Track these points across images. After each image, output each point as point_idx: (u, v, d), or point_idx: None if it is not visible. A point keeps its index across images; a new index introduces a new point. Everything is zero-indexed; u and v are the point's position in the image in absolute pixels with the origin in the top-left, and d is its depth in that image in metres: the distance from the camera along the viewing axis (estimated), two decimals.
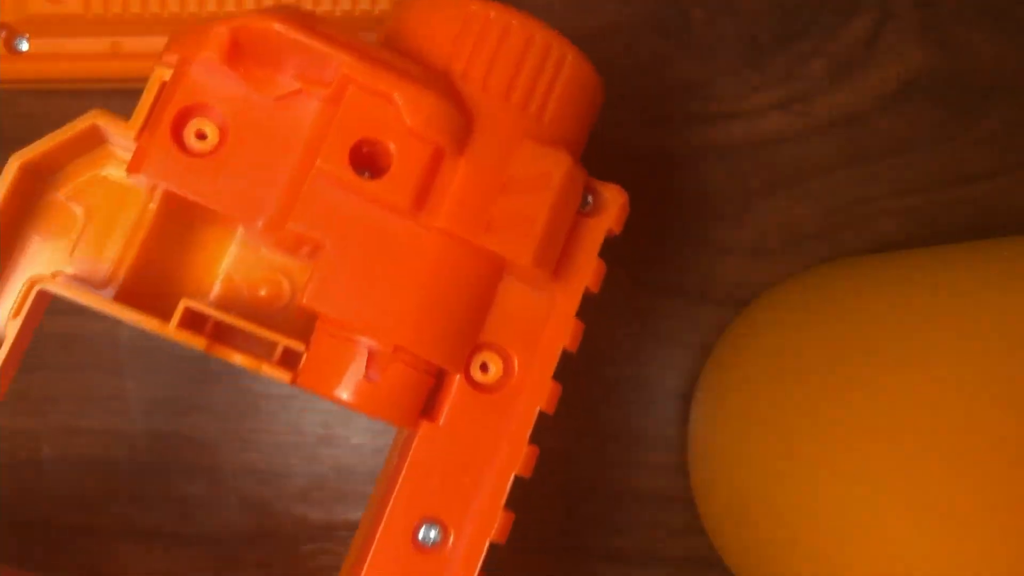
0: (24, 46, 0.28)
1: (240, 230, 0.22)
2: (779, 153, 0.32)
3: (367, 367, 0.20)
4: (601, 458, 0.32)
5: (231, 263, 0.22)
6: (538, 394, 0.21)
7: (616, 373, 0.32)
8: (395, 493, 0.21)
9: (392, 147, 0.20)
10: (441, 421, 0.21)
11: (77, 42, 0.28)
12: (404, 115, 0.19)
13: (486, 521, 0.21)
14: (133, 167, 0.20)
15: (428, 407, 0.21)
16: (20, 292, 0.20)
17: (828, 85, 0.32)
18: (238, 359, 0.21)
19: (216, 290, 0.22)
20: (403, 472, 0.21)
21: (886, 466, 0.22)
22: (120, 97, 0.30)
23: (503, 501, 0.21)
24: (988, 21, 0.32)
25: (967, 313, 0.22)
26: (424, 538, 0.21)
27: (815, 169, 0.32)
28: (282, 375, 0.20)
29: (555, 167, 0.20)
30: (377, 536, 0.20)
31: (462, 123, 0.20)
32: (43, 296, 0.20)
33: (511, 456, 0.21)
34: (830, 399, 0.24)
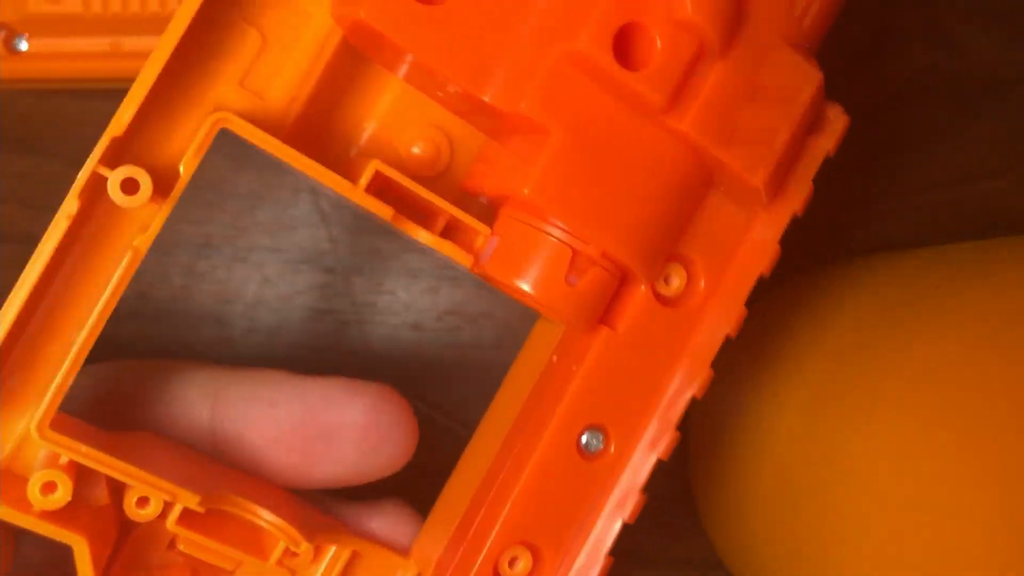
0: (24, 46, 0.28)
1: (400, 75, 0.20)
2: None
3: (568, 269, 0.19)
4: None
5: (386, 110, 0.20)
6: (727, 316, 0.20)
7: None
8: (566, 398, 0.20)
9: (657, 37, 0.18)
10: (621, 330, 0.20)
11: (77, 42, 0.28)
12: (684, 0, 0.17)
13: (656, 438, 0.20)
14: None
15: (606, 315, 0.20)
16: (205, 127, 0.18)
17: (828, 85, 0.31)
18: (423, 235, 0.19)
19: (364, 139, 0.20)
20: (577, 378, 0.20)
21: (886, 465, 0.22)
22: (120, 97, 0.30)
23: (677, 420, 0.20)
24: (988, 21, 0.32)
25: (969, 313, 0.22)
26: (587, 444, 0.20)
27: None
28: (463, 258, 0.19)
29: (805, 82, 0.19)
30: (543, 440, 0.20)
31: (735, 18, 0.18)
32: (219, 131, 0.18)
33: (689, 375, 0.20)
34: (830, 400, 0.24)
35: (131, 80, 0.30)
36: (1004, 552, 0.19)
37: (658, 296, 0.20)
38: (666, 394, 0.20)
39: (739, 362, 0.29)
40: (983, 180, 0.32)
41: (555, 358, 0.21)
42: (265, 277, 0.30)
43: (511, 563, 0.20)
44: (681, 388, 0.20)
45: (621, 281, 0.20)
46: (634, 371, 0.20)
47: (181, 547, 0.20)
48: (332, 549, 0.21)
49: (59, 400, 0.17)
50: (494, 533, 0.19)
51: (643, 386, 0.20)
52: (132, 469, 0.18)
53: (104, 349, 0.30)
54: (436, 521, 0.22)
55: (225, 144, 0.30)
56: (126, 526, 0.20)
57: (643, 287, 0.20)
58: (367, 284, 0.30)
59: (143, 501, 0.19)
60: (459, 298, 0.30)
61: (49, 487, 0.17)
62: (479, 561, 0.19)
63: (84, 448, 0.18)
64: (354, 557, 0.21)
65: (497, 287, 0.20)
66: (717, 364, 0.29)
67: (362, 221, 0.31)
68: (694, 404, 0.31)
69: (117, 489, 0.19)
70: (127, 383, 0.21)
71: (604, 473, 0.20)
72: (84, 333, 0.17)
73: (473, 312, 0.31)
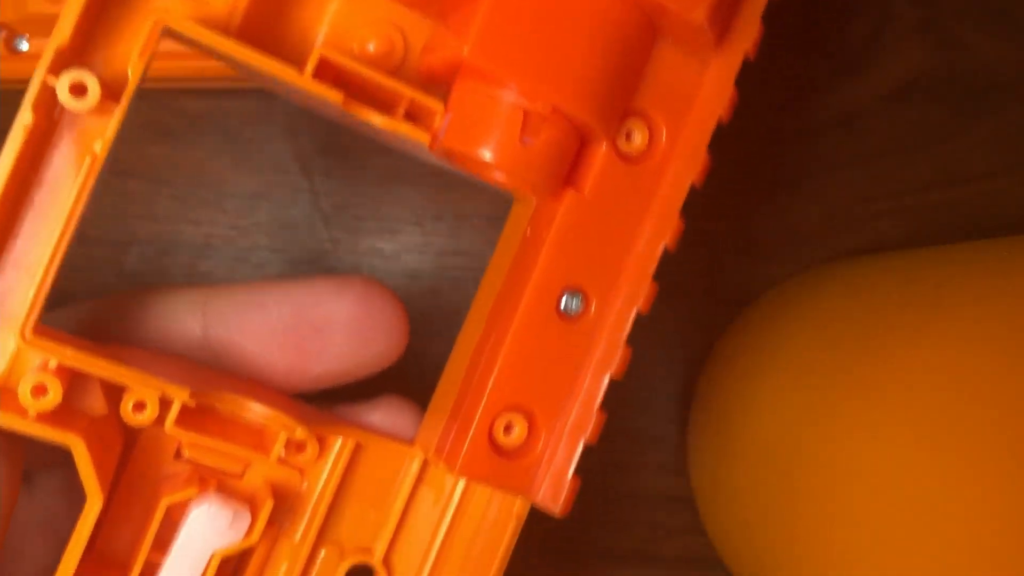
0: (24, 46, 0.28)
1: None
2: (779, 153, 0.32)
3: (522, 130, 0.19)
4: (601, 458, 0.32)
5: (337, 11, 0.20)
6: (690, 165, 0.20)
7: None
8: (539, 263, 0.20)
9: None
10: (586, 191, 0.20)
11: None
12: None
13: (633, 291, 0.21)
14: None
15: (571, 177, 0.20)
16: (147, 26, 0.18)
17: (828, 85, 0.32)
18: (376, 119, 0.19)
19: (319, 42, 0.20)
20: (547, 242, 0.20)
21: (887, 466, 0.22)
22: None
23: (652, 271, 0.21)
24: (988, 21, 0.32)
25: (967, 313, 0.22)
26: (566, 307, 0.20)
27: (815, 169, 0.32)
28: (421, 135, 0.19)
29: None
30: (521, 305, 0.20)
31: None
32: (164, 35, 0.19)
33: (659, 227, 0.21)
34: (830, 399, 0.24)
35: None
36: (1001, 553, 0.19)
37: (621, 154, 0.20)
38: (639, 248, 0.21)
39: (738, 361, 0.29)
40: (982, 180, 0.32)
41: (528, 231, 0.21)
42: (266, 277, 0.30)
43: (506, 430, 0.20)
44: (653, 240, 0.21)
45: (582, 142, 0.20)
46: (605, 229, 0.20)
47: (186, 453, 0.20)
48: (337, 442, 0.21)
49: (39, 305, 0.18)
50: (484, 401, 0.20)
51: (615, 243, 0.20)
52: (118, 368, 0.18)
53: None
54: (435, 408, 0.22)
55: (225, 144, 0.30)
56: (130, 439, 0.20)
57: (604, 146, 0.20)
58: None
59: (139, 406, 0.19)
60: (459, 299, 0.30)
61: (39, 389, 0.18)
62: (472, 430, 0.20)
63: (69, 350, 0.18)
64: (358, 449, 0.21)
65: (458, 165, 0.20)
66: (715, 356, 0.29)
67: (363, 222, 0.31)
68: (693, 403, 0.31)
69: (114, 399, 0.19)
70: (117, 311, 0.22)
71: (587, 333, 0.21)
72: (54, 239, 0.18)
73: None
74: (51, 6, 0.28)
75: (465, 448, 0.20)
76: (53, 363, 0.18)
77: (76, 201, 0.18)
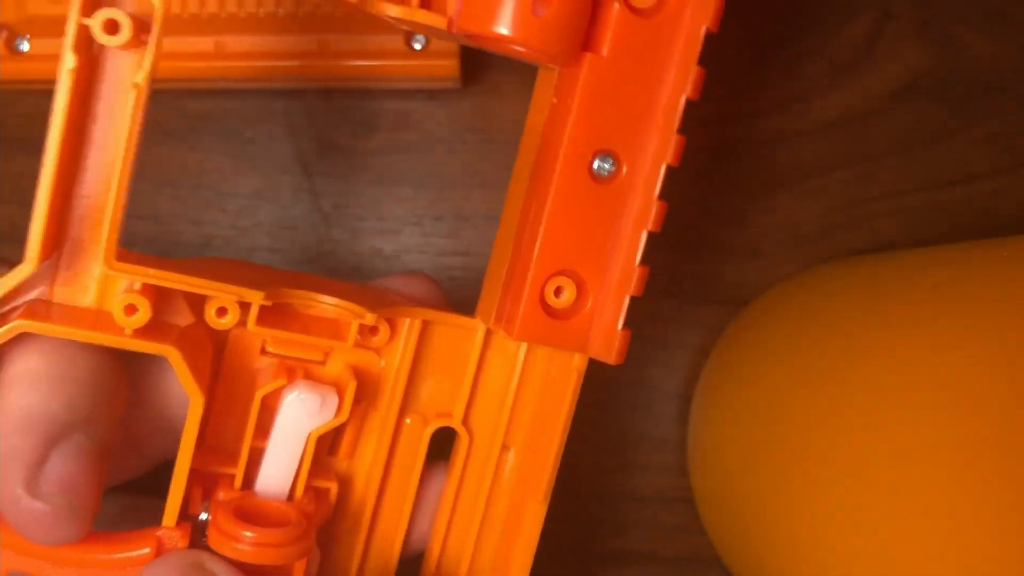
0: (24, 46, 0.28)
1: None
2: (779, 153, 0.32)
3: (534, 1, 0.19)
4: (602, 459, 0.32)
5: None
6: (704, 10, 0.21)
7: (616, 374, 0.32)
8: (567, 131, 0.21)
9: None
10: (605, 53, 0.21)
11: None
12: None
13: (661, 146, 0.21)
14: None
15: (588, 41, 0.21)
16: None
17: (828, 85, 0.32)
18: (393, 9, 0.20)
19: None
20: (573, 110, 0.21)
21: (886, 465, 0.22)
22: None
23: (677, 124, 0.21)
24: (988, 21, 0.32)
25: (967, 313, 0.22)
26: (599, 170, 0.21)
27: (815, 169, 0.32)
28: (438, 20, 0.20)
29: None
30: (555, 175, 0.21)
31: None
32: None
33: (680, 78, 0.21)
34: (830, 399, 0.24)
35: None
36: (1004, 559, 0.19)
37: (635, 10, 0.21)
38: (662, 103, 0.21)
39: (738, 361, 0.29)
40: (982, 180, 0.32)
41: (555, 100, 0.22)
42: None
43: (557, 293, 0.21)
44: (675, 92, 0.21)
45: (594, 3, 0.21)
46: (627, 89, 0.21)
47: (271, 348, 0.22)
48: (406, 323, 0.22)
49: (116, 232, 0.20)
50: (532, 269, 0.21)
51: (639, 101, 0.21)
52: (196, 280, 0.20)
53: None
54: (490, 282, 0.23)
55: (225, 144, 0.30)
56: (220, 343, 0.22)
57: (617, 4, 0.20)
58: None
59: (221, 311, 0.21)
60: (459, 299, 0.31)
61: (130, 308, 0.20)
62: (525, 297, 0.21)
63: (150, 270, 0.20)
64: (426, 326, 0.23)
65: (478, 44, 0.21)
66: (715, 356, 0.29)
67: (363, 222, 0.31)
68: (693, 403, 0.31)
69: (198, 308, 0.21)
70: None
71: (621, 192, 0.21)
72: (119, 168, 0.19)
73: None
74: (52, 7, 0.28)
75: (520, 314, 0.21)
76: (138, 284, 0.20)
77: (131, 131, 0.19)
